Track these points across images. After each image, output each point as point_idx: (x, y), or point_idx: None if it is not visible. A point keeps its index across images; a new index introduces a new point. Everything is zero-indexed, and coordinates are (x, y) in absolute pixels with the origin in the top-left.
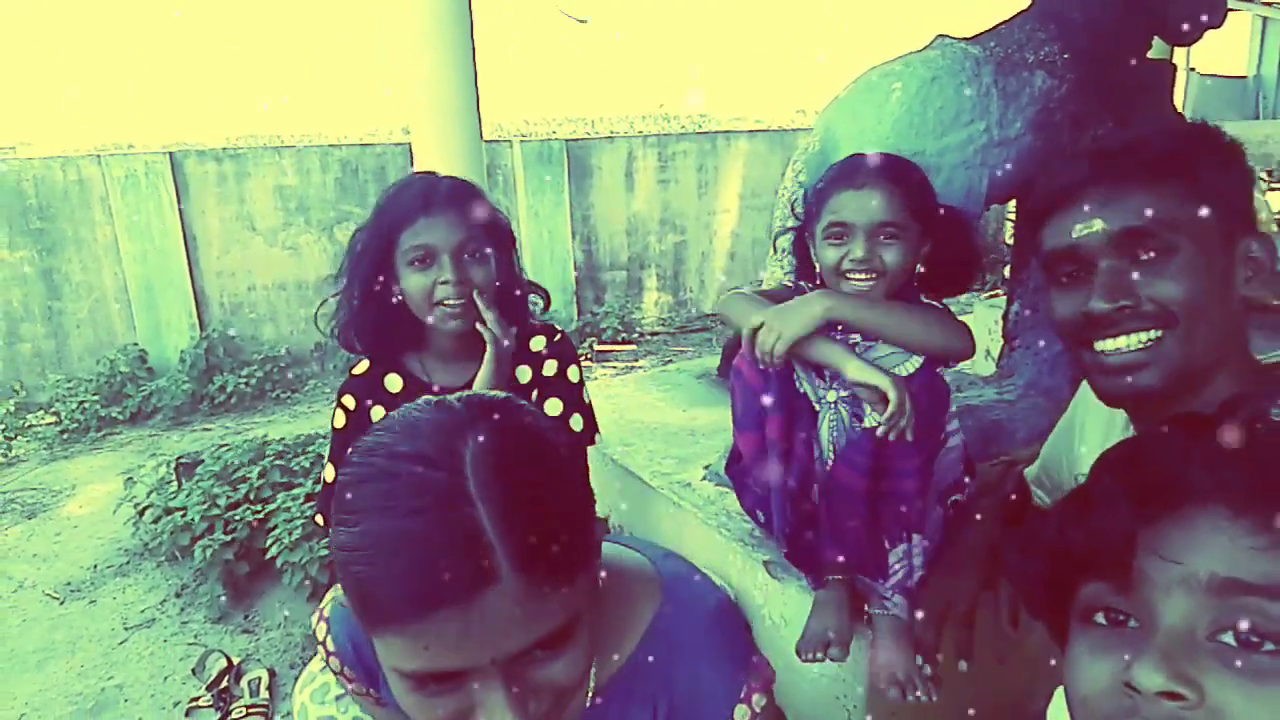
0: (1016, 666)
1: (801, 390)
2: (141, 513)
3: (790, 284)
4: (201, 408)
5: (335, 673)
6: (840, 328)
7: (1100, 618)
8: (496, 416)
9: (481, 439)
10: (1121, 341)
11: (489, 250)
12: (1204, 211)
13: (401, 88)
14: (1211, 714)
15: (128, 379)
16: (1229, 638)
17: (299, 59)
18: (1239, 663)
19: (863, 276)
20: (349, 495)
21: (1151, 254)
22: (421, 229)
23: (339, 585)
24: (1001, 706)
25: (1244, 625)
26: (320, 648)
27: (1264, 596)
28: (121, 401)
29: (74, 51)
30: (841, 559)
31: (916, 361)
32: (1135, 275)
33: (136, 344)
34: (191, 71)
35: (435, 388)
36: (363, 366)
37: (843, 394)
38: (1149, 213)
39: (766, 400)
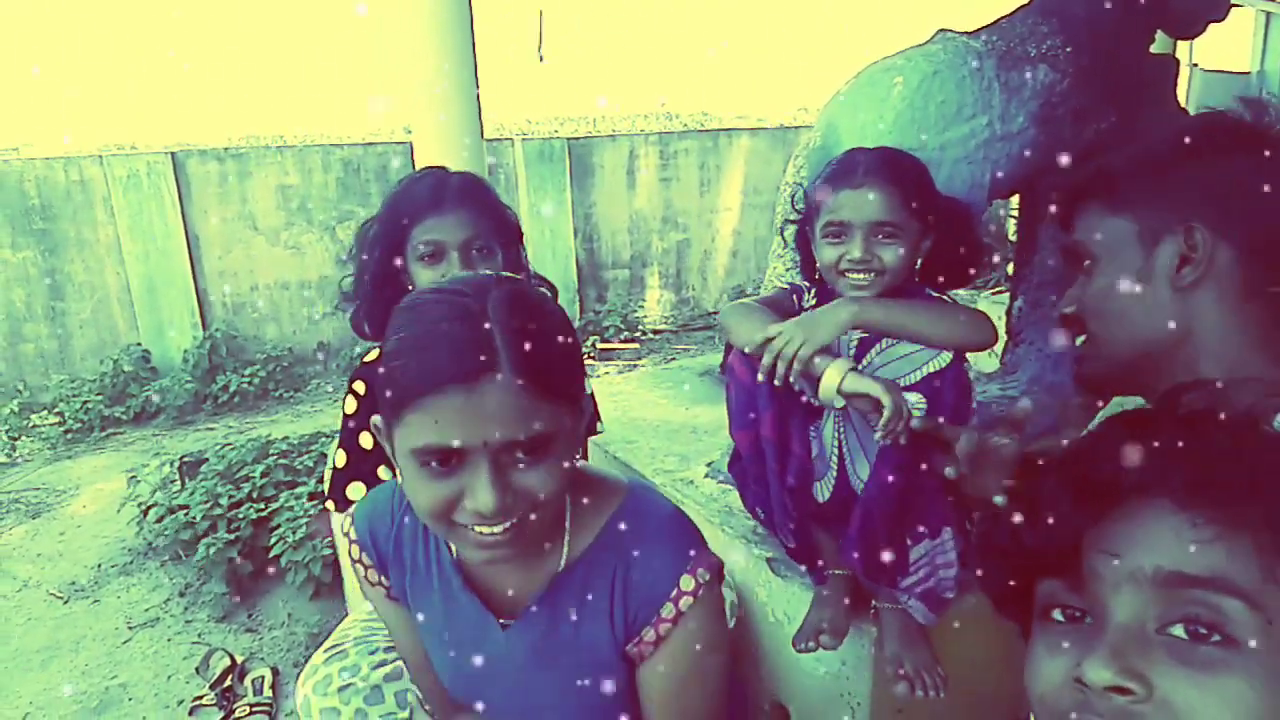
0: (1021, 667)
1: (798, 388)
2: (145, 512)
3: (787, 285)
4: (205, 407)
5: (354, 561)
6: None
7: (1058, 615)
8: (515, 283)
9: (503, 287)
10: (1076, 342)
11: (496, 246)
12: (1118, 221)
13: (402, 87)
14: (1161, 706)
15: (131, 379)
16: (1179, 630)
17: (300, 58)
18: (1187, 655)
19: (861, 276)
20: (399, 316)
21: (1084, 265)
22: (431, 225)
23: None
24: (1007, 706)
25: (1190, 617)
26: (345, 539)
27: (1209, 589)
28: (125, 401)
29: (75, 52)
30: (860, 561)
31: (946, 358)
32: (1080, 285)
33: (139, 344)
34: (193, 71)
35: None
36: (374, 354)
37: (838, 409)
38: (1078, 229)
39: (761, 397)
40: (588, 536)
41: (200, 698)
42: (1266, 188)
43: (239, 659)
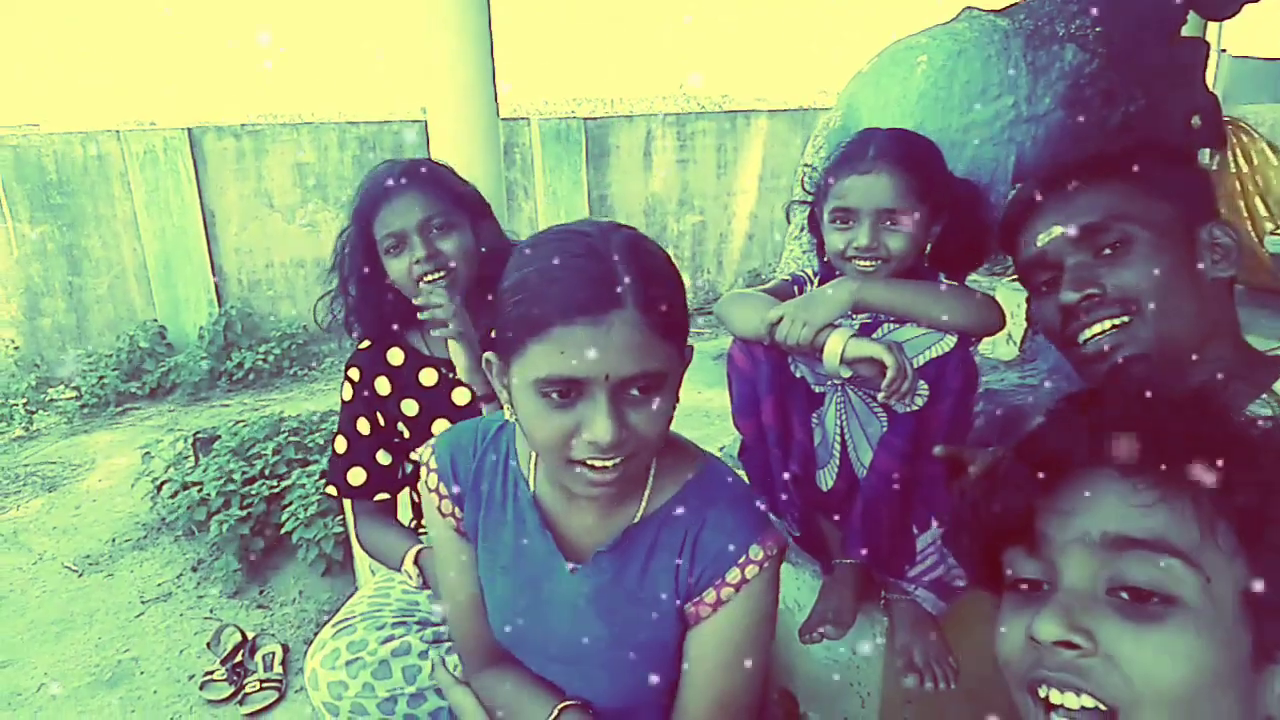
0: None
1: (799, 375)
2: (159, 488)
3: (788, 278)
4: (219, 384)
5: (429, 490)
6: (868, 313)
7: (1022, 585)
8: (632, 230)
9: (628, 233)
10: (1095, 329)
11: (459, 220)
12: (1159, 203)
13: (419, 65)
14: (1105, 660)
15: (147, 355)
16: (1124, 591)
17: (318, 36)
18: (1131, 612)
19: (868, 263)
20: (522, 254)
21: (1111, 247)
22: (386, 217)
23: (445, 432)
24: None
25: (1135, 576)
26: (424, 469)
27: (1151, 550)
28: (140, 377)
29: (93, 28)
30: (866, 551)
31: (950, 341)
32: (1100, 268)
33: (156, 320)
34: (210, 48)
35: (434, 359)
36: (367, 343)
37: (845, 379)
38: (1103, 209)
39: (760, 384)
40: (666, 493)
41: (211, 672)
42: None
43: (250, 635)
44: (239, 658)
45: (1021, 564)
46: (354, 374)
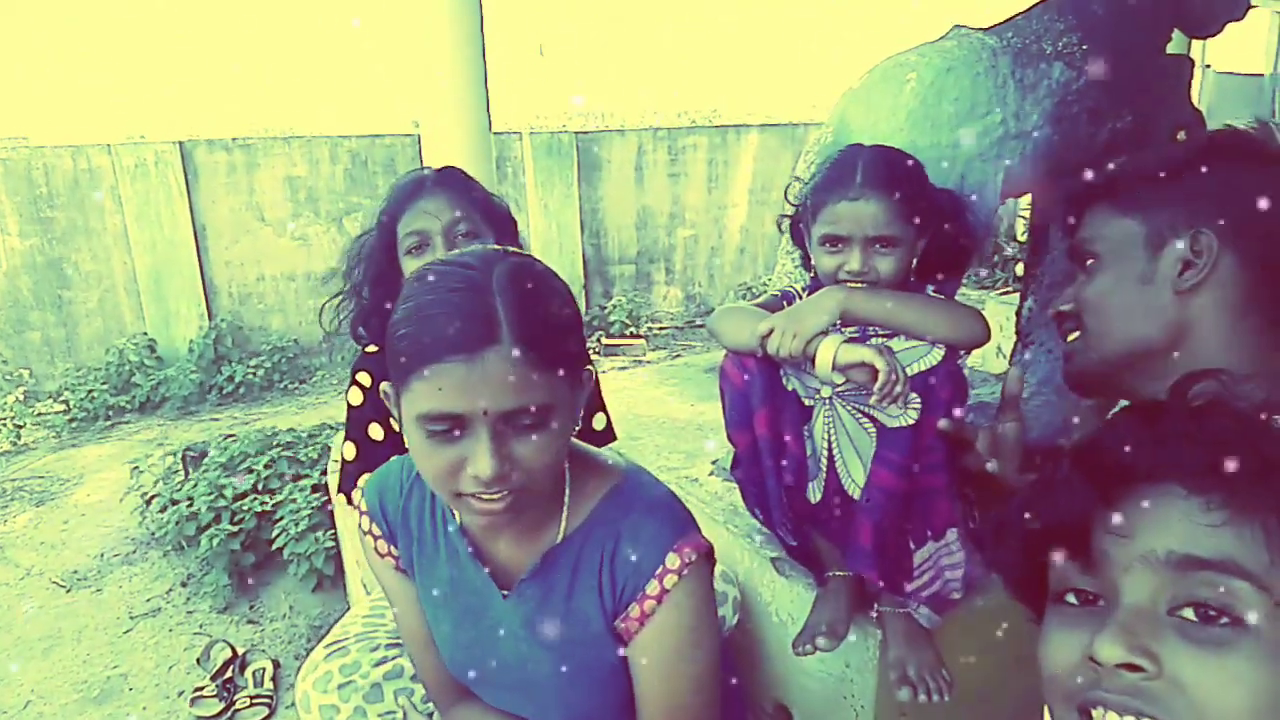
0: (1030, 668)
1: (790, 387)
2: (148, 502)
3: (778, 293)
4: (209, 398)
5: (364, 533)
6: (855, 325)
7: (1071, 597)
8: (522, 257)
9: (514, 263)
10: (1070, 338)
11: (483, 230)
12: (1124, 220)
13: (412, 79)
14: (1170, 684)
15: (136, 368)
16: (1189, 612)
17: (308, 51)
18: (1196, 635)
19: (858, 285)
20: (409, 286)
21: (1086, 264)
22: (412, 216)
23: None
24: (1015, 707)
25: (1200, 599)
26: (357, 512)
27: (1218, 571)
28: (130, 391)
29: (84, 41)
30: (872, 569)
31: (938, 354)
32: (1078, 283)
33: (145, 333)
34: (201, 62)
35: None
36: (375, 346)
37: (838, 385)
38: (1083, 229)
39: (753, 397)
40: (583, 512)
41: (201, 688)
42: (1273, 201)
43: (240, 650)
44: (229, 673)
45: (1073, 578)
46: (364, 379)
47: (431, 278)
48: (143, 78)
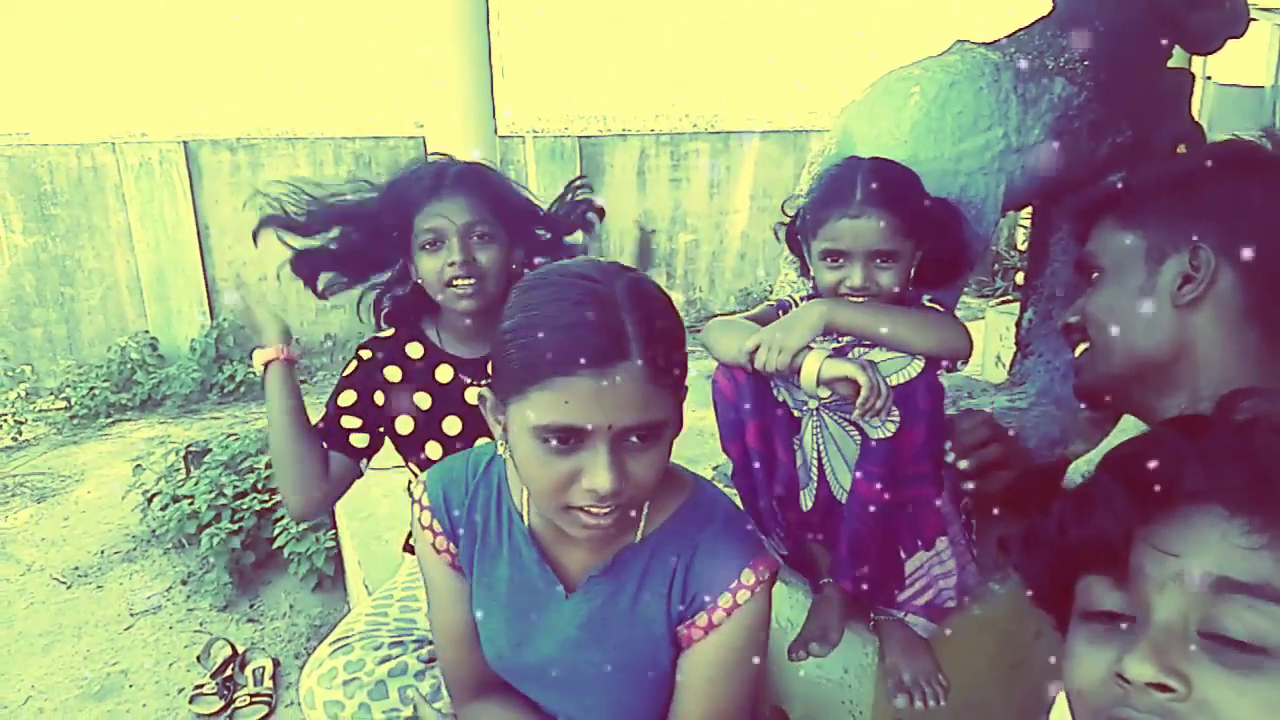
0: (1028, 674)
1: (780, 399)
2: (150, 500)
3: (774, 303)
4: (211, 396)
5: (423, 528)
6: (838, 335)
7: (1099, 612)
8: (635, 273)
9: (631, 278)
10: (1078, 350)
11: (500, 232)
12: (1126, 235)
13: (418, 82)
14: (1199, 706)
15: (138, 366)
16: (1220, 633)
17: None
18: (1228, 658)
19: (860, 299)
20: (526, 295)
21: (1092, 276)
22: (430, 213)
23: (436, 467)
24: (1012, 713)
25: (1235, 623)
26: (416, 506)
27: (1255, 595)
28: (131, 388)
29: (89, 39)
30: (855, 579)
31: (918, 365)
32: (1087, 296)
33: (147, 331)
34: (205, 61)
35: (450, 356)
36: (388, 331)
37: (824, 399)
38: (1090, 242)
39: (744, 409)
40: (659, 519)
41: (201, 686)
42: (1274, 215)
43: (240, 649)
44: (229, 672)
45: (1103, 594)
46: (365, 354)
47: (551, 287)
48: (146, 75)
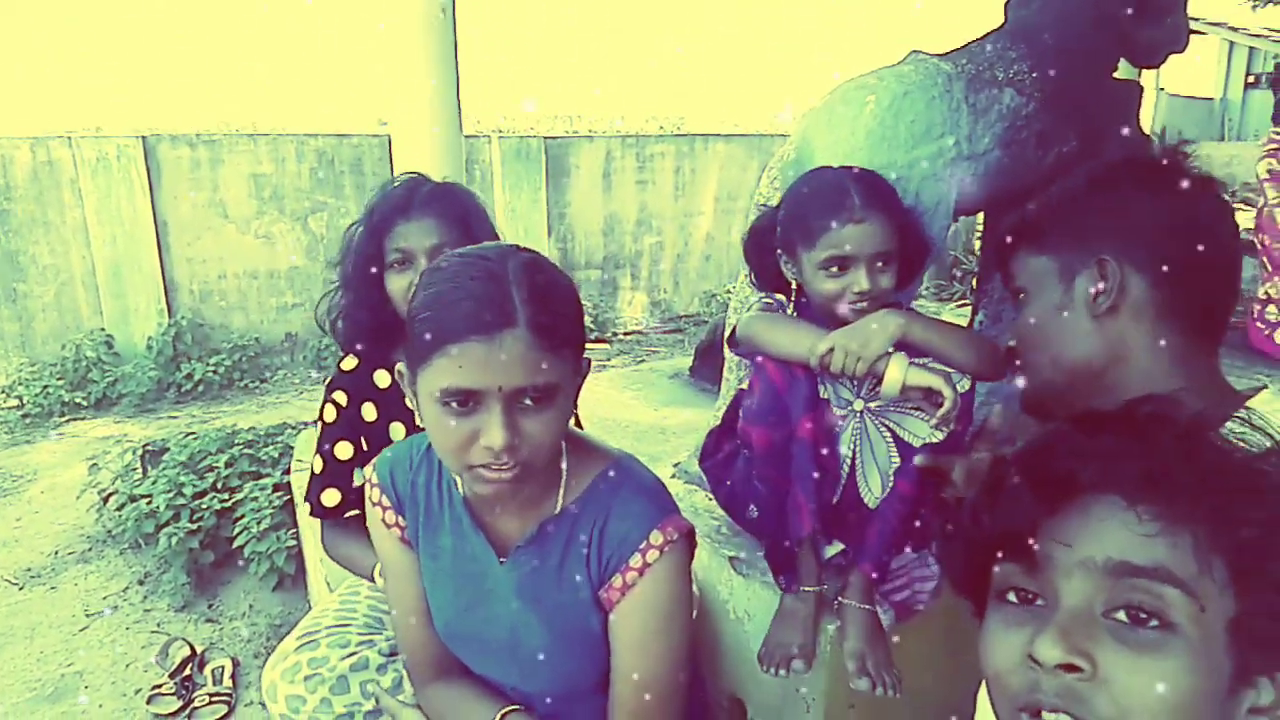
0: (969, 676)
1: (825, 396)
2: (105, 499)
3: (770, 300)
4: (168, 395)
5: (374, 504)
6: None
7: (1012, 596)
8: (531, 252)
9: (526, 257)
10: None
11: None
12: (1039, 258)
13: (383, 79)
14: (1102, 684)
15: (93, 364)
16: (1122, 615)
17: (276, 48)
18: (1129, 638)
19: (864, 304)
20: (431, 274)
21: (1019, 298)
22: (400, 232)
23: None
24: (948, 703)
25: (1133, 603)
26: (368, 485)
27: (1152, 578)
28: (86, 387)
29: (44, 33)
30: (869, 568)
31: (966, 383)
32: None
33: (103, 329)
34: (166, 57)
35: None
36: (351, 363)
37: (871, 404)
38: (1009, 267)
39: (796, 402)
40: (579, 488)
41: (159, 686)
42: (1167, 219)
43: (199, 649)
44: (187, 671)
45: (1016, 579)
46: (340, 397)
47: (452, 267)
48: (103, 69)
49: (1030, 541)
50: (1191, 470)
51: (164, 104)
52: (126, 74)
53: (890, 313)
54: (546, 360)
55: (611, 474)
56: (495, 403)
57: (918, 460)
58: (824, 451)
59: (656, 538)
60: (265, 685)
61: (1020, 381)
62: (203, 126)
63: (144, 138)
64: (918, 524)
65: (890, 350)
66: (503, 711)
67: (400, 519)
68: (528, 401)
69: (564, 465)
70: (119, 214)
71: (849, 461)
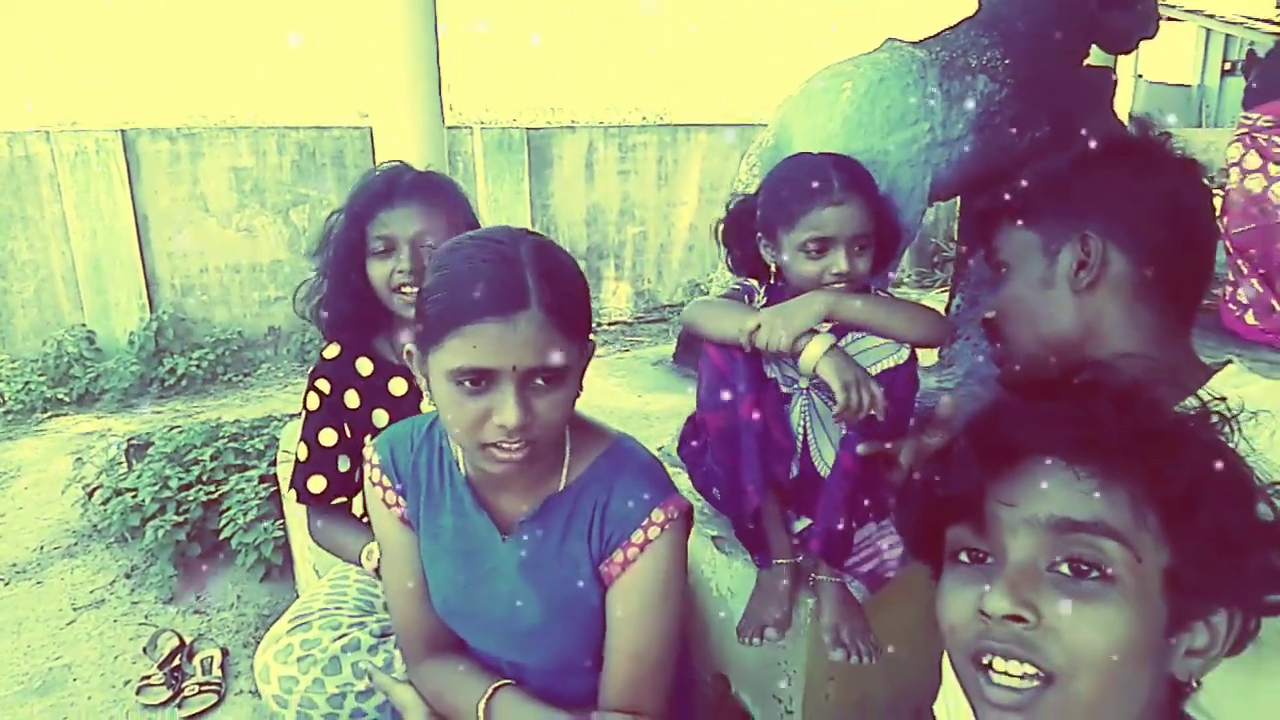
0: (937, 642)
1: (770, 375)
2: (91, 494)
3: (739, 286)
4: (150, 390)
5: (374, 484)
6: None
7: (964, 556)
8: (541, 237)
9: (536, 240)
10: (997, 345)
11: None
12: (1022, 233)
13: (364, 72)
14: (1047, 632)
15: (75, 360)
16: (1065, 568)
17: (254, 40)
18: (1071, 588)
19: (842, 285)
20: (444, 256)
21: (1001, 273)
22: (383, 220)
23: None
24: (923, 671)
25: (1075, 555)
26: (368, 465)
27: (1092, 533)
28: (68, 383)
29: (19, 26)
30: (820, 543)
31: (905, 354)
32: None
33: (84, 324)
34: (144, 50)
35: (403, 369)
36: (333, 351)
37: (814, 380)
38: (992, 242)
39: (738, 383)
40: (581, 467)
41: (148, 677)
42: (1151, 200)
43: (187, 639)
44: (176, 662)
45: (967, 540)
46: (323, 385)
47: (465, 250)
48: (81, 62)
49: (979, 504)
50: (1125, 432)
51: (143, 97)
52: (104, 67)
53: (818, 292)
54: (558, 341)
55: (613, 453)
56: (509, 382)
57: (860, 449)
58: (772, 430)
59: (658, 515)
60: (258, 667)
61: (1001, 357)
62: (182, 120)
63: (123, 131)
64: (870, 496)
65: (818, 329)
66: (495, 685)
67: (400, 499)
68: (540, 381)
69: (567, 445)
70: (98, 208)
71: (802, 436)
